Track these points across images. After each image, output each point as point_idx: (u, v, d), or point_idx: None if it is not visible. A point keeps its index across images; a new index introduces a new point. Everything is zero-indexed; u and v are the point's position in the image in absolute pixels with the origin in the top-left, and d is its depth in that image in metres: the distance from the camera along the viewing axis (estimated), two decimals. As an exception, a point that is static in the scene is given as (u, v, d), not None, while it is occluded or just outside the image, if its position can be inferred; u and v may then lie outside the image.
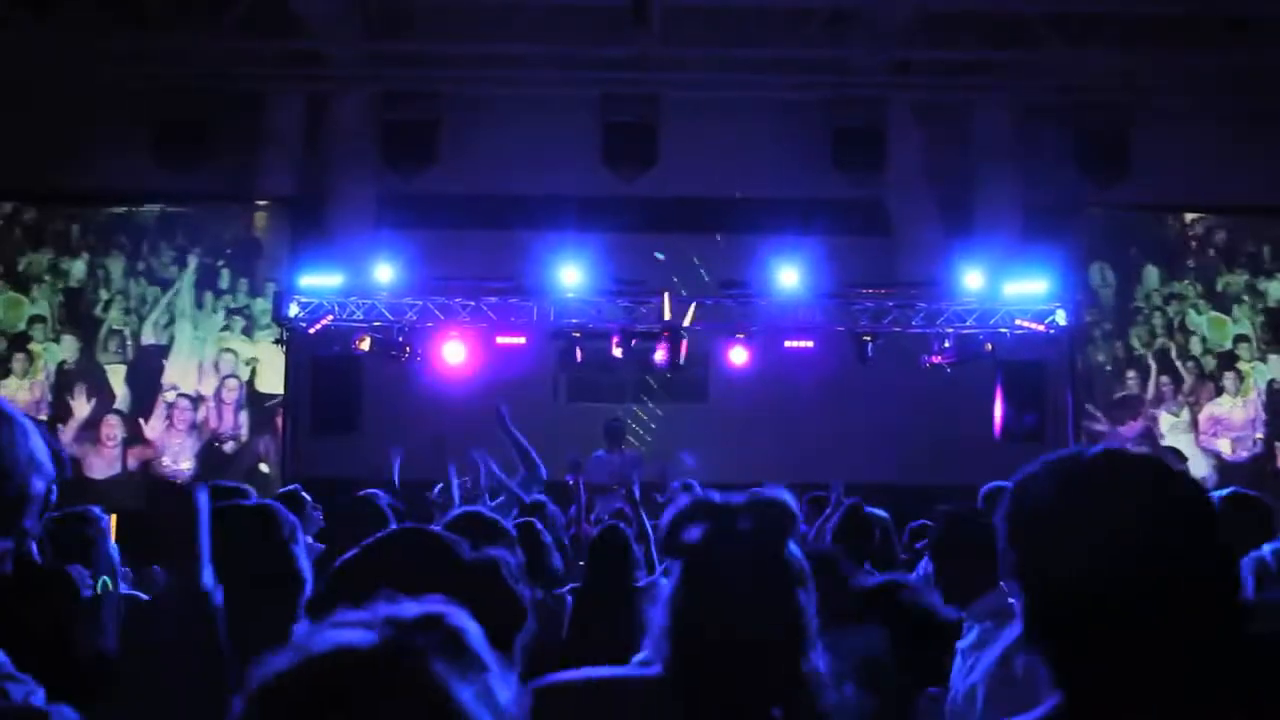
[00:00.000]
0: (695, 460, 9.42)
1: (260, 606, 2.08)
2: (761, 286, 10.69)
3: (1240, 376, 12.06)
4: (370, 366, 10.92)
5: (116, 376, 11.90)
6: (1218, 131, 11.65)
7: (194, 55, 11.06)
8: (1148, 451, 1.49)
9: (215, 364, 11.93)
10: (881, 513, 5.70)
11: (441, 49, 11.42)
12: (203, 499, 2.03)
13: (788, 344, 10.91)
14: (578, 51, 11.30)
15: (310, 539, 5.92)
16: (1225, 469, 11.61)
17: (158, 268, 12.07)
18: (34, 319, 11.96)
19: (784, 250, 10.62)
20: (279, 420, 11.78)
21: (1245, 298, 12.23)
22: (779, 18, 10.97)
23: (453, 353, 10.79)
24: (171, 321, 11.99)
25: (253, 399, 11.90)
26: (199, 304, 12.02)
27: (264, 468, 11.71)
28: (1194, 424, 11.95)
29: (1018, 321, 10.85)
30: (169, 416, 11.80)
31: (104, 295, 12.02)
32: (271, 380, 11.86)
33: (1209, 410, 12.01)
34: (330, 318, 10.72)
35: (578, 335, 10.61)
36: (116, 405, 11.81)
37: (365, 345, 10.67)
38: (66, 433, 11.45)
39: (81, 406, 11.71)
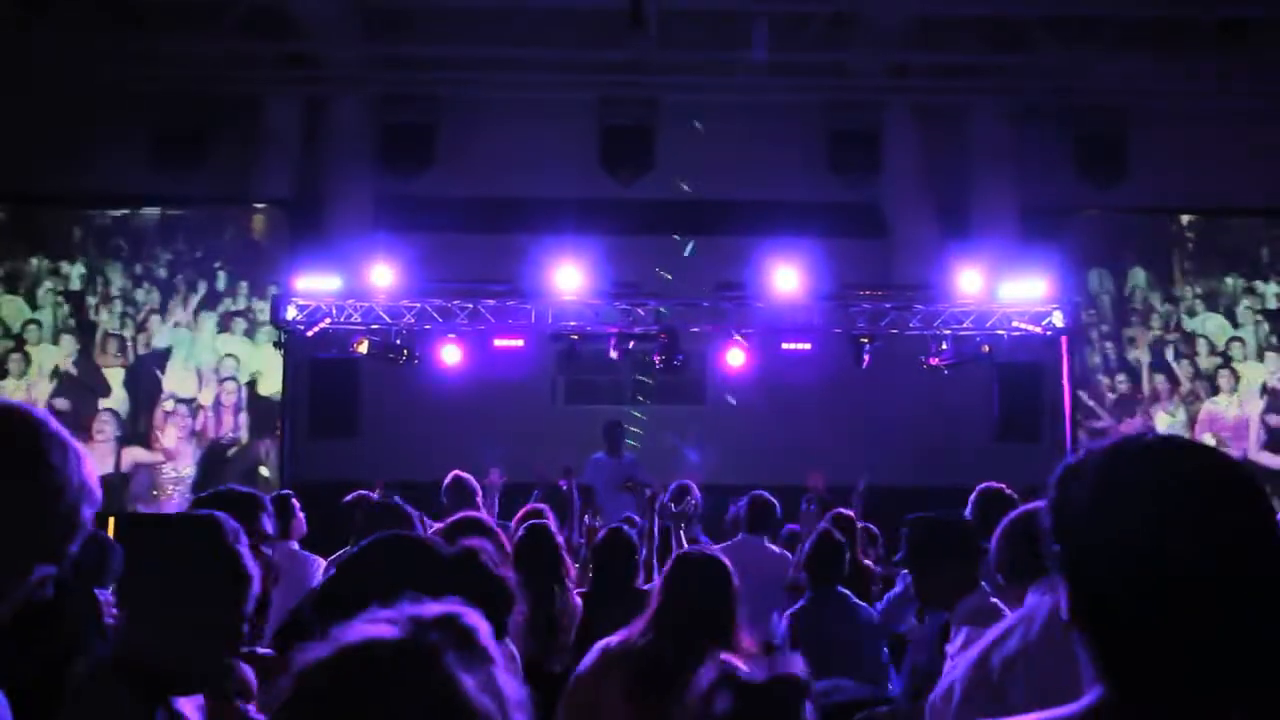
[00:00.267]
0: (697, 458, 9.47)
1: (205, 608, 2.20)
2: (759, 289, 10.70)
3: (1236, 377, 12.09)
4: (368, 369, 10.92)
5: (115, 379, 11.90)
6: (1215, 134, 11.68)
7: (193, 58, 11.06)
8: (1192, 439, 1.47)
9: (214, 367, 11.94)
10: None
11: (439, 52, 11.43)
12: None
13: (785, 346, 10.92)
14: (575, 55, 11.32)
15: (296, 544, 5.95)
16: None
17: (156, 270, 12.07)
18: (30, 321, 11.97)
19: (781, 252, 10.63)
20: (278, 423, 11.78)
21: (1242, 299, 12.26)
22: (778, 21, 10.99)
23: (450, 355, 10.79)
24: (170, 324, 12.00)
25: (252, 402, 11.91)
26: (198, 307, 12.02)
27: (264, 470, 11.72)
28: (1190, 425, 11.98)
29: (1015, 323, 10.86)
30: (169, 424, 11.82)
31: (102, 298, 12.03)
32: (271, 383, 11.87)
33: (1205, 411, 12.04)
34: (328, 321, 10.72)
35: (575, 338, 10.62)
36: (114, 407, 11.82)
37: (363, 348, 10.67)
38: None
39: (76, 406, 11.70)
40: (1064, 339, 11.20)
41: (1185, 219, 12.46)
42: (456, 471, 7.14)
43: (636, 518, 7.26)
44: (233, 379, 11.92)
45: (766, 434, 11.40)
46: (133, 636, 2.13)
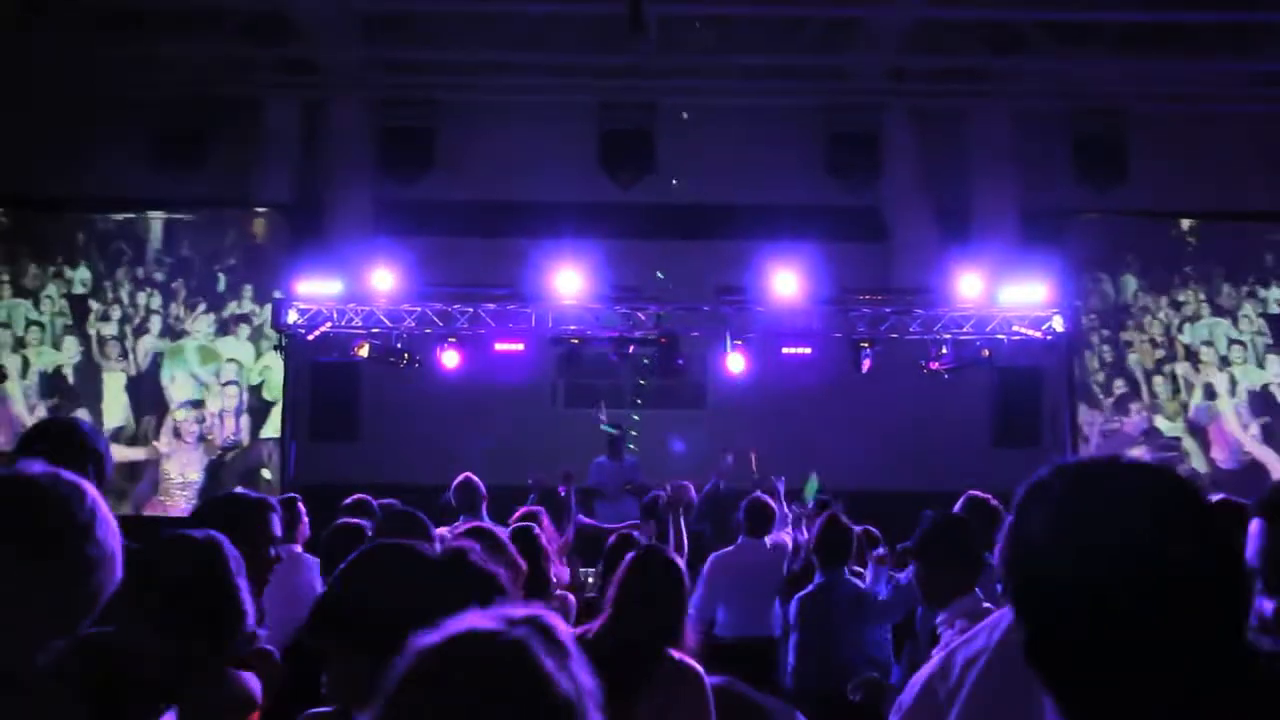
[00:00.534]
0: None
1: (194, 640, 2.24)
2: (758, 293, 10.70)
3: (1234, 381, 12.09)
4: (369, 373, 10.93)
5: (117, 383, 11.91)
6: (1215, 137, 11.68)
7: (193, 61, 11.07)
8: (1142, 459, 1.42)
9: (216, 371, 11.95)
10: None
11: (439, 56, 11.44)
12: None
13: (785, 350, 10.91)
14: (575, 59, 11.33)
15: (299, 547, 5.97)
16: (1217, 474, 11.63)
17: (158, 275, 12.08)
18: (32, 324, 11.98)
19: (781, 256, 10.63)
20: (279, 426, 11.78)
21: (1242, 303, 12.26)
22: (776, 25, 11.00)
23: (451, 359, 10.79)
24: (171, 327, 12.01)
25: (253, 405, 11.91)
26: (199, 311, 12.03)
27: (265, 473, 11.72)
28: (1189, 429, 11.98)
29: (1015, 328, 10.85)
30: (175, 429, 11.83)
31: (105, 302, 12.03)
32: (272, 386, 11.87)
33: (1205, 414, 12.03)
34: (329, 325, 10.73)
35: (575, 342, 10.62)
36: (115, 410, 11.82)
37: (364, 352, 10.67)
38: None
39: (77, 411, 11.71)
40: (1064, 343, 11.21)
41: (1185, 223, 12.46)
42: (468, 474, 7.16)
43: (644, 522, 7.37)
44: (234, 383, 11.93)
45: (766, 438, 11.39)
46: None
